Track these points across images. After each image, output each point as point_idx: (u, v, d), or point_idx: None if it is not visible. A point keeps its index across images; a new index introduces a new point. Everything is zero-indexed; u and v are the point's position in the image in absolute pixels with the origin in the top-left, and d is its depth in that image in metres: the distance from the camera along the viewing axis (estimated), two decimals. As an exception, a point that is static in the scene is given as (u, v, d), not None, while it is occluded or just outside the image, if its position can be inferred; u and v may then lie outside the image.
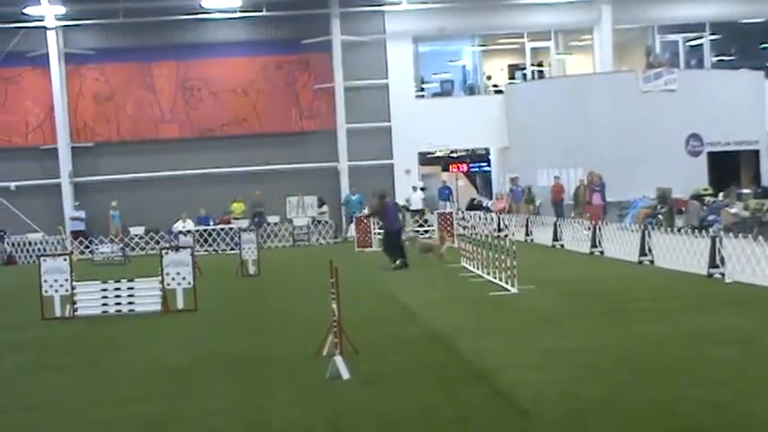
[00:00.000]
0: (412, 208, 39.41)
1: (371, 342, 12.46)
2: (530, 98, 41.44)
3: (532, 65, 43.02)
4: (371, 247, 32.26)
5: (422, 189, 40.28)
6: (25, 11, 38.84)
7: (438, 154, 45.87)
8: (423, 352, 12.06)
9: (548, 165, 39.01)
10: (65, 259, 18.34)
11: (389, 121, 41.40)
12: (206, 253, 34.38)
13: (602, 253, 25.29)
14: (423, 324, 14.45)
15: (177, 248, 19.86)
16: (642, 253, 22.29)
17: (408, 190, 40.38)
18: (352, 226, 35.24)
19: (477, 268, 21.49)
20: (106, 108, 41.03)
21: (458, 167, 48.22)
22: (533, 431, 8.02)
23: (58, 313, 17.69)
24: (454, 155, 46.99)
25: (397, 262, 24.30)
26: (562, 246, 28.43)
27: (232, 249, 33.84)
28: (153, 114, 41.11)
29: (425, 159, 44.49)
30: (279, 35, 40.91)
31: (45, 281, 17.89)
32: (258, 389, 10.24)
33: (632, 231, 24.04)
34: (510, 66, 43.60)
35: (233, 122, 41.03)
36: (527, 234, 31.63)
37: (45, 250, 34.38)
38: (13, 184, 40.15)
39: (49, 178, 40.57)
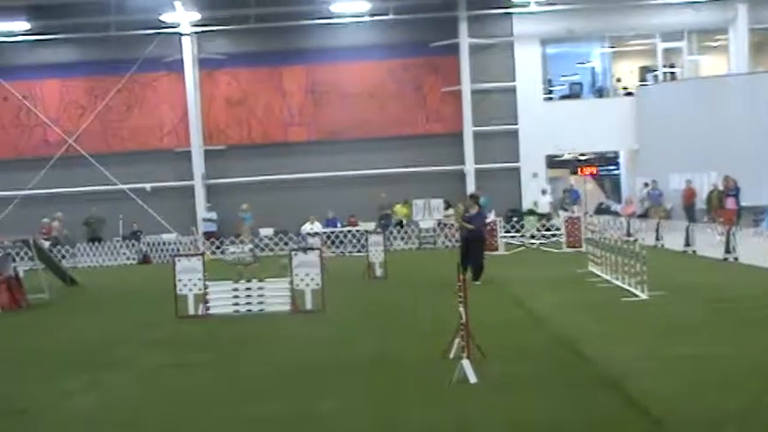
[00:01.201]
0: (539, 211, 39.15)
1: (498, 346, 12.41)
2: (661, 100, 40.58)
3: (664, 66, 42.13)
4: (497, 250, 32.12)
5: (542, 192, 39.94)
6: (161, 18, 39.94)
7: (566, 157, 45.33)
8: (550, 357, 11.96)
9: (679, 168, 38.13)
10: (198, 259, 18.83)
11: (516, 123, 41.09)
12: (333, 255, 34.73)
13: (736, 259, 24.60)
14: (550, 329, 14.33)
15: (306, 250, 20.16)
16: (779, 259, 21.64)
17: (535, 193, 40.11)
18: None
19: (606, 273, 21.17)
20: (238, 112, 41.85)
21: (586, 171, 47.54)
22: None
23: (191, 312, 18.17)
24: (582, 158, 46.37)
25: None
26: (694, 251, 27.77)
27: (359, 251, 34.12)
28: (282, 118, 41.75)
29: (553, 162, 44.03)
30: (406, 38, 41.03)
31: (179, 280, 18.41)
32: (386, 390, 10.31)
33: (768, 237, 23.36)
34: (641, 68, 42.76)
35: (361, 125, 41.32)
36: (657, 239, 31.02)
37: (178, 250, 35.29)
38: (148, 186, 41.26)
39: (182, 180, 41.60)
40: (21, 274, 23.78)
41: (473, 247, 22.04)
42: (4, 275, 22.59)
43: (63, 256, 36.35)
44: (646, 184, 39.03)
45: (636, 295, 17.72)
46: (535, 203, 39.62)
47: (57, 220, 39.10)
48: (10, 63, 41.32)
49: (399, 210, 39.75)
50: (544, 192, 39.94)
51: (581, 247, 30.19)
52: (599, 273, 21.92)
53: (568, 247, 31.67)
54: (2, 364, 13.67)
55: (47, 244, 34.16)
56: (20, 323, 19.30)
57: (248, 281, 18.82)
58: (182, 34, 40.83)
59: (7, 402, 10.71)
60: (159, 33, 40.76)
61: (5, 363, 13.85)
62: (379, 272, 25.18)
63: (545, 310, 16.56)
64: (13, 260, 26.22)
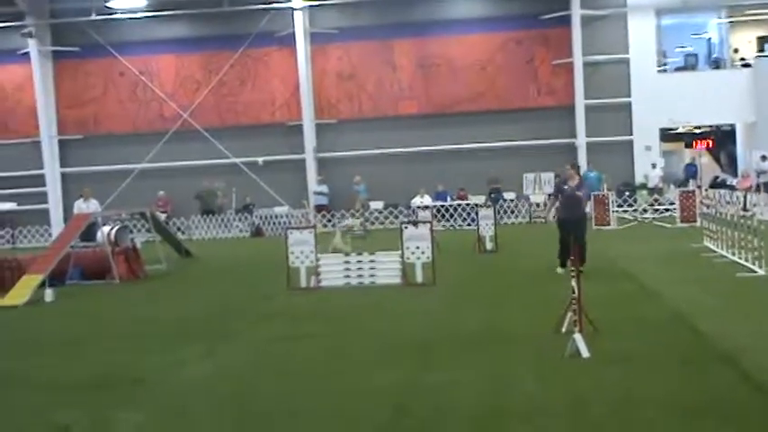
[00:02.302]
0: (650, 186, 38.51)
1: (611, 321, 12.30)
2: (780, 70, 39.40)
3: (783, 36, 40.85)
4: (610, 224, 31.72)
5: (653, 166, 39.21)
6: (273, -7, 40.44)
7: (680, 130, 44.42)
8: (664, 332, 11.81)
9: (798, 141, 37.02)
10: (310, 232, 19.09)
11: (629, 96, 40.37)
12: (443, 228, 34.76)
13: None
14: (664, 304, 14.12)
15: (416, 223, 20.24)
16: None
17: (646, 167, 39.47)
18: (590, 203, 34.73)
19: (722, 248, 20.73)
20: (348, 86, 42.11)
21: (701, 143, 46.50)
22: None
23: (303, 284, 18.45)
24: (697, 131, 45.36)
25: (558, 270, 18.48)
26: (814, 226, 26.95)
27: (469, 225, 34.09)
28: (393, 91, 41.84)
29: (667, 136, 43.19)
30: (517, 11, 40.65)
31: (292, 252, 18.70)
32: (498, 363, 10.33)
33: None
34: (759, 38, 41.51)
35: (471, 99, 41.16)
36: (775, 214, 30.20)
37: (290, 223, 35.81)
38: (260, 159, 41.87)
39: (294, 154, 42.10)
40: (138, 246, 24.46)
41: (576, 230, 18.05)
42: (122, 247, 23.28)
43: (179, 228, 37.24)
44: (764, 157, 37.97)
45: (753, 271, 17.33)
46: (646, 177, 38.96)
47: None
48: (127, 39, 42.31)
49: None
50: (654, 165, 39.24)
51: (695, 221, 29.60)
52: (714, 248, 21.48)
53: (682, 221, 31.08)
54: (119, 334, 14.07)
55: (163, 216, 35.03)
56: (137, 294, 19.85)
57: (359, 254, 18.97)
58: (294, 9, 41.18)
59: (125, 371, 11.04)
60: (272, 8, 41.24)
61: (123, 333, 14.26)
62: (489, 245, 25.14)
63: (658, 284, 16.32)
64: (131, 232, 27.00)
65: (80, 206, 28.60)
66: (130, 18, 42.08)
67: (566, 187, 18.94)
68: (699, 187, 36.32)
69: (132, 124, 42.77)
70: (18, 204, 42.58)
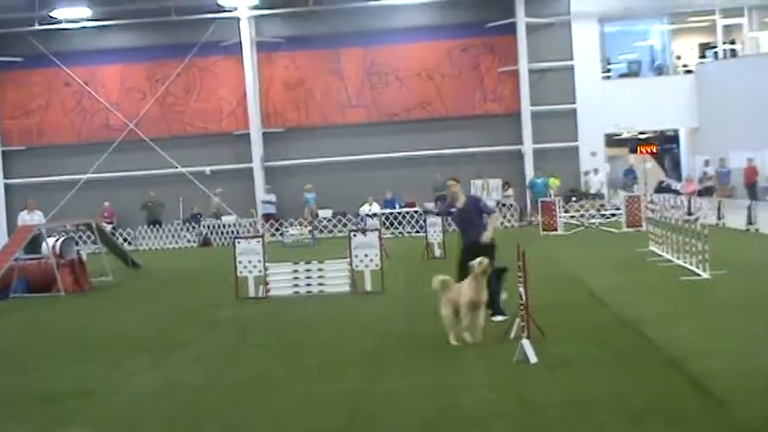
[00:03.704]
0: (591, 191, 38.90)
1: (558, 326, 12.40)
2: (722, 78, 40.00)
3: (724, 43, 41.47)
4: (557, 230, 31.98)
5: (593, 172, 39.60)
6: (219, 2, 40.19)
7: (625, 135, 44.92)
8: (611, 337, 11.92)
9: (741, 146, 37.59)
10: (258, 241, 19.02)
11: (575, 102, 40.75)
12: (392, 236, 34.80)
13: (800, 238, 24.27)
14: (610, 309, 14.27)
15: (365, 231, 20.25)
16: (844, 238, 21.28)
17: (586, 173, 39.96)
18: (537, 209, 35.01)
19: (667, 252, 20.98)
20: (296, 94, 42.02)
21: (646, 149, 47.07)
22: (733, 423, 7.80)
23: (251, 293, 18.37)
24: (642, 136, 45.91)
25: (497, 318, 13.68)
26: (757, 230, 27.39)
27: (417, 232, 34.17)
28: (340, 99, 41.84)
29: (612, 141, 43.66)
30: (463, 19, 40.85)
31: (240, 262, 18.62)
32: (447, 370, 10.37)
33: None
34: (701, 44, 42.15)
35: (418, 106, 41.30)
36: (719, 218, 30.63)
37: (238, 233, 35.64)
38: (207, 169, 41.63)
39: (241, 163, 41.92)
40: (84, 258, 24.19)
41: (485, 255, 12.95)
42: (67, 259, 23.00)
43: (125, 239, 36.90)
44: (707, 163, 38.55)
45: (698, 274, 17.56)
46: (587, 183, 39.40)
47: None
48: (72, 49, 41.83)
49: (554, 182, 39.23)
50: (596, 171, 39.65)
51: (641, 226, 29.94)
52: (660, 252, 21.74)
53: (628, 226, 31.41)
54: (66, 348, 13.92)
55: (109, 227, 34.69)
56: (83, 306, 19.63)
57: (307, 262, 18.93)
58: (240, 18, 41.05)
59: (73, 384, 10.93)
60: (217, 17, 41.05)
61: (70, 346, 14.11)
62: (438, 252, 25.22)
63: (605, 289, 16.48)
64: (76, 243, 26.68)
65: (24, 218, 28.18)
66: (75, 28, 41.62)
67: (453, 210, 14.79)
68: (645, 194, 36.74)
69: (77, 135, 42.30)
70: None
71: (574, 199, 37.88)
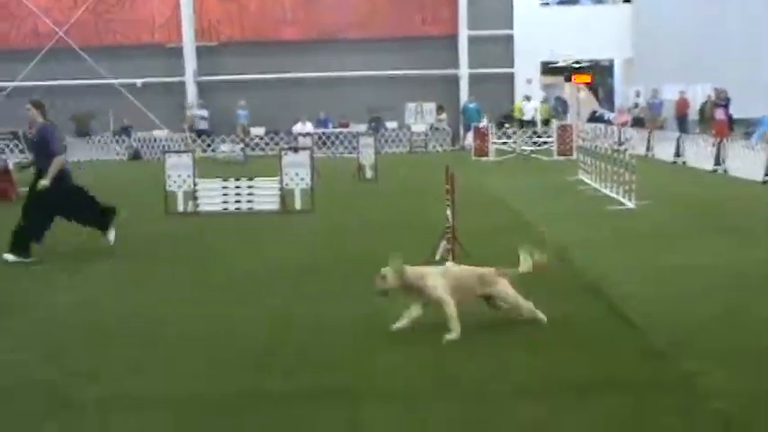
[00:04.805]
0: (524, 118, 39.09)
1: (484, 250, 12.48)
2: (659, 8, 40.20)
3: (663, -26, 41.61)
4: (488, 156, 32.15)
5: (526, 99, 39.77)
6: None
7: (561, 64, 45.08)
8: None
9: (674, 79, 37.96)
10: (188, 156, 18.85)
11: (512, 28, 40.73)
12: (324, 155, 34.71)
13: (725, 171, 24.69)
14: (535, 234, 14.42)
15: (296, 149, 20.16)
16: (768, 172, 21.72)
17: (519, 100, 40.14)
18: (470, 134, 35.13)
19: (595, 182, 21.25)
20: (230, 7, 41.36)
21: (580, 78, 47.31)
22: (642, 344, 7.99)
23: (180, 209, 18.25)
24: (577, 65, 46.11)
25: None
26: (684, 162, 27.83)
27: (350, 153, 34.12)
28: (275, 14, 41.28)
29: (548, 69, 43.81)
30: (404, -63, 40.46)
31: (169, 176, 18.45)
32: (371, 290, 10.38)
33: (758, 150, 23.37)
34: (639, -27, 42.29)
35: (355, 25, 40.94)
36: (648, 149, 31.03)
37: (169, 147, 35.25)
38: (139, 81, 41.00)
39: (174, 76, 41.29)
40: (10, 167, 23.73)
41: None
42: (-7, 167, 22.59)
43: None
44: (638, 94, 38.92)
45: (623, 204, 17.82)
46: (520, 110, 39.62)
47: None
48: (0, -49, 40.66)
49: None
50: (528, 98, 39.83)
51: (572, 155, 30.23)
52: (588, 181, 22.00)
53: (559, 154, 31.69)
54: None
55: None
56: (7, 215, 19.30)
57: (237, 179, 18.82)
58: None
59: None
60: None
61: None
62: (369, 174, 25.24)
63: (532, 215, 16.65)
64: (2, 152, 26.19)
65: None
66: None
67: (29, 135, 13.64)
68: (577, 123, 37.01)
69: (5, 40, 41.25)
70: None
71: (506, 126, 38.04)
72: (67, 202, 13.35)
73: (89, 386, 7.02)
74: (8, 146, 30.81)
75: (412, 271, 8.36)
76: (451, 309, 8.19)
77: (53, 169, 12.97)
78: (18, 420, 6.41)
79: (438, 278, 8.35)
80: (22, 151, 26.18)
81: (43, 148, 13.20)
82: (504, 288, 8.63)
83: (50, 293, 10.85)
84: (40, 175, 13.17)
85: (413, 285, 8.33)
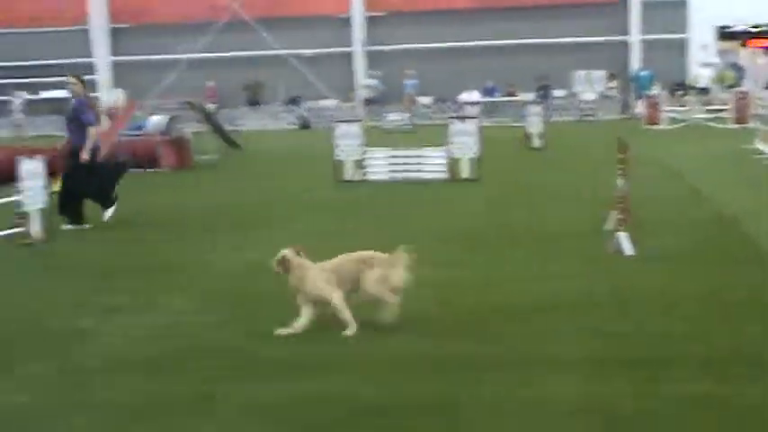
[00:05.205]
0: (700, 86, 37.86)
1: (656, 220, 12.26)
2: None
3: None
4: (660, 124, 31.37)
5: (704, 66, 38.45)
6: None
7: (737, 29, 43.37)
8: (710, 232, 11.76)
9: None
10: (357, 125, 19.10)
11: (686, -9, 39.52)
12: (491, 124, 34.53)
13: None
14: (709, 204, 14.04)
15: (464, 118, 20.14)
16: None
17: (697, 67, 38.86)
18: (641, 102, 34.34)
19: (775, 151, 20.47)
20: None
21: (758, 43, 45.39)
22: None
23: (349, 177, 18.53)
24: (755, 29, 44.26)
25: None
26: None
27: (516, 122, 33.85)
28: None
29: (723, 34, 42.26)
30: None
31: (338, 145, 18.75)
32: (541, 259, 10.35)
33: None
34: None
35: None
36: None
37: (338, 117, 35.74)
38: (308, 52, 41.67)
39: (342, 47, 41.82)
40: (187, 136, 24.62)
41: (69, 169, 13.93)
42: (172, 136, 23.46)
43: (226, 120, 37.36)
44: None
45: (803, 173, 17.14)
46: (695, 77, 38.38)
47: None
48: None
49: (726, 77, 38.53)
50: (706, 65, 38.53)
51: (748, 122, 29.16)
52: (766, 150, 21.19)
53: (735, 123, 30.61)
54: (168, 222, 14.26)
55: (212, 107, 35.12)
56: (184, 183, 20.08)
57: (405, 148, 18.99)
58: None
59: (172, 257, 11.21)
60: None
61: (171, 220, 14.45)
62: (537, 142, 25.00)
63: (705, 185, 16.18)
64: (180, 122, 27.13)
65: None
66: None
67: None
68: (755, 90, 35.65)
69: (182, 14, 42.59)
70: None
71: (680, 93, 36.97)
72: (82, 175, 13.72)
73: (276, 348, 7.23)
74: (185, 116, 31.85)
75: (298, 264, 7.54)
76: (337, 302, 7.43)
77: (90, 140, 13.53)
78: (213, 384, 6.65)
79: (318, 272, 7.50)
80: (198, 121, 27.01)
81: (77, 120, 13.68)
82: (373, 276, 7.49)
83: (225, 254, 11.18)
84: (74, 150, 13.71)
85: (295, 281, 7.54)
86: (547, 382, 6.25)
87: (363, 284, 7.52)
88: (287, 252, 7.56)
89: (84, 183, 13.67)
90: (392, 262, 7.56)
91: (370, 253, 7.68)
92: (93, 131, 13.52)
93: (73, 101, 14.08)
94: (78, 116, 13.69)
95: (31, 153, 14.11)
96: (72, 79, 14.05)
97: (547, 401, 5.89)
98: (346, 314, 7.42)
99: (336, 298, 7.43)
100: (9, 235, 12.51)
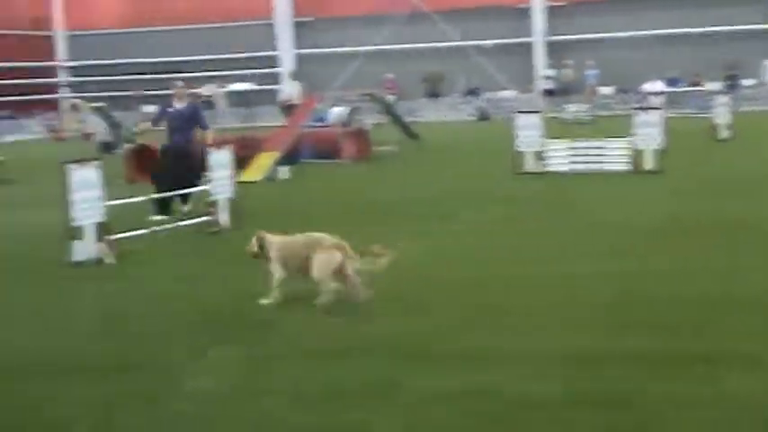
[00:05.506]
0: None
1: None
2: None
3: None
4: None
5: None
6: None
7: None
8: None
9: None
10: (537, 116, 18.97)
11: None
12: (675, 115, 33.60)
13: None
14: None
15: (647, 109, 19.69)
16: None
17: None
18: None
19: None
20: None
21: None
22: None
23: (529, 168, 18.40)
24: None
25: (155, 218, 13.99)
26: None
27: (701, 113, 32.82)
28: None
29: None
30: None
31: (518, 136, 18.65)
32: (731, 252, 10.00)
33: None
34: None
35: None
36: None
37: (517, 108, 35.55)
38: (489, 42, 41.54)
39: (522, 37, 41.54)
40: (367, 127, 24.97)
41: (182, 164, 14.68)
42: (352, 128, 23.84)
43: (405, 112, 37.73)
44: None
45: None
46: None
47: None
48: None
49: None
50: None
51: None
52: None
53: None
54: (344, 212, 14.39)
55: (392, 98, 35.50)
56: (365, 174, 20.36)
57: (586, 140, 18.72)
58: None
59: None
60: None
61: (347, 210, 14.63)
62: (724, 134, 24.18)
63: None
64: (360, 114, 27.57)
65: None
66: None
67: (170, 110, 14.95)
68: None
69: (360, 7, 43.14)
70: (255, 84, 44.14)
71: None
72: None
73: (459, 338, 7.30)
74: (365, 108, 32.32)
75: (269, 240, 8.45)
76: (276, 280, 8.29)
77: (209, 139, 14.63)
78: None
79: (274, 250, 8.33)
80: (378, 113, 27.37)
81: (192, 122, 14.86)
82: (320, 262, 7.99)
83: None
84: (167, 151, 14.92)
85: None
86: (731, 378, 6.05)
87: (313, 265, 8.02)
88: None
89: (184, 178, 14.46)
90: (338, 247, 7.98)
91: (324, 237, 8.15)
92: (210, 133, 14.82)
93: (190, 105, 15.27)
94: (199, 119, 15.01)
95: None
96: (181, 83, 15.48)
97: (731, 398, 5.71)
98: (276, 290, 8.31)
99: (277, 276, 8.31)
100: (198, 224, 12.98)
